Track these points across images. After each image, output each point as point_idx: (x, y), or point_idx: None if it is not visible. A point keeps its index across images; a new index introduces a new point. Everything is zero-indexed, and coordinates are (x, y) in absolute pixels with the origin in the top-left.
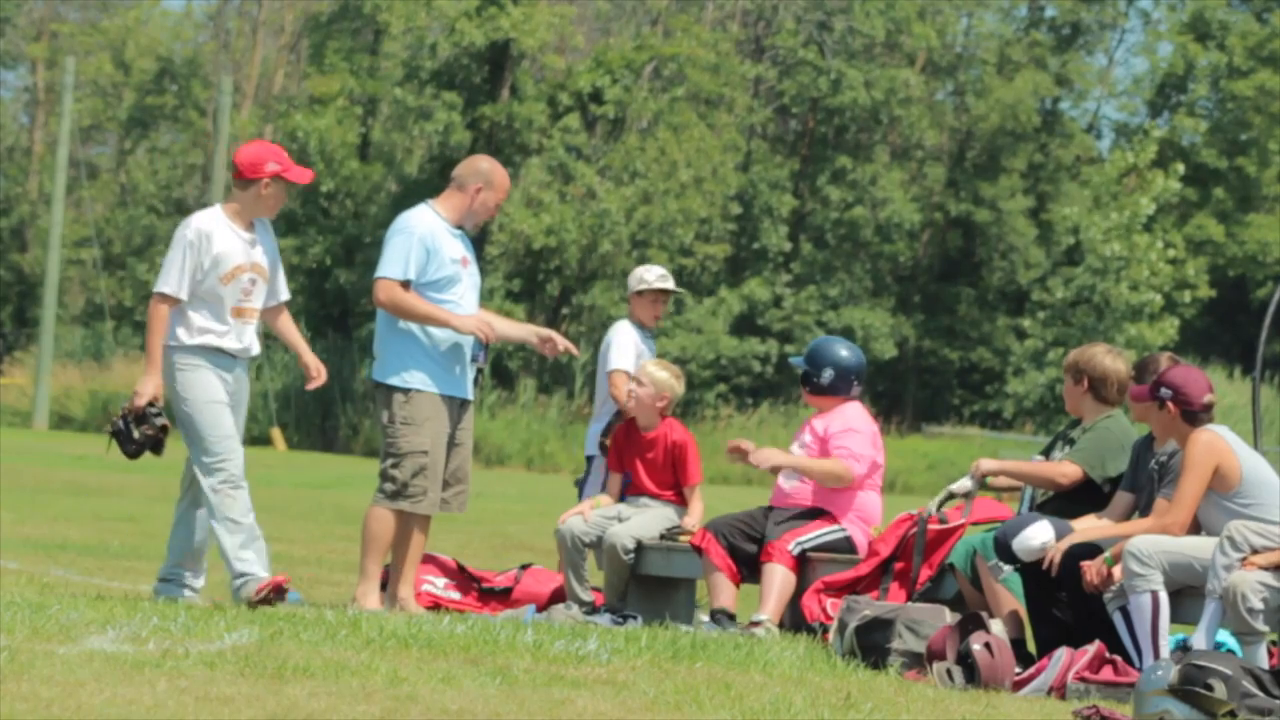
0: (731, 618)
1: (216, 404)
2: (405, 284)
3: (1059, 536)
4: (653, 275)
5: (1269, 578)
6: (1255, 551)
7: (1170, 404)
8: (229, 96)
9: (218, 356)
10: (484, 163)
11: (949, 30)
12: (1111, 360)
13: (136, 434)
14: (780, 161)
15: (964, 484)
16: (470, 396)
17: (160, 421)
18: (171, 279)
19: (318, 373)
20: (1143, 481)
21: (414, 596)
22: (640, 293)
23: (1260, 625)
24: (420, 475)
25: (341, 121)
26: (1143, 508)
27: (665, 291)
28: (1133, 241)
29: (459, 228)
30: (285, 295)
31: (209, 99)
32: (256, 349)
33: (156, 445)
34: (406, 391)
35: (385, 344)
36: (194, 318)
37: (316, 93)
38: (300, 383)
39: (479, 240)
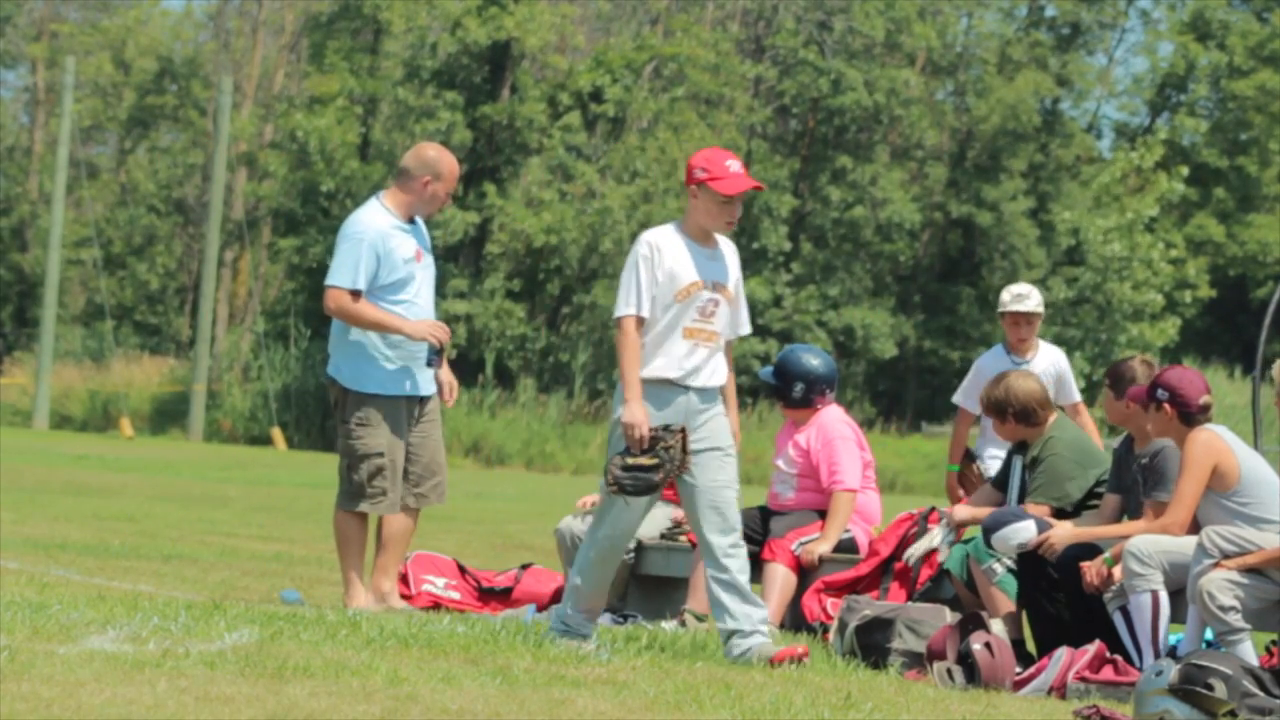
0: (701, 619)
1: None
2: (355, 293)
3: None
4: (1008, 295)
5: (1239, 576)
6: (1226, 556)
7: (1167, 405)
8: (229, 96)
9: (667, 388)
10: (431, 151)
11: (949, 30)
12: (1023, 382)
13: (649, 460)
14: (780, 161)
15: (935, 536)
16: (430, 392)
17: (673, 439)
18: (633, 298)
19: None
20: (1128, 484)
21: (397, 591)
22: (1001, 314)
23: (1236, 621)
24: (378, 476)
25: (342, 121)
26: (1131, 511)
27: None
28: (1134, 241)
29: (410, 220)
30: (744, 329)
31: (209, 99)
32: (720, 378)
33: (680, 465)
34: (361, 394)
35: (340, 347)
36: (645, 343)
37: (317, 92)
38: (300, 383)
39: (480, 239)
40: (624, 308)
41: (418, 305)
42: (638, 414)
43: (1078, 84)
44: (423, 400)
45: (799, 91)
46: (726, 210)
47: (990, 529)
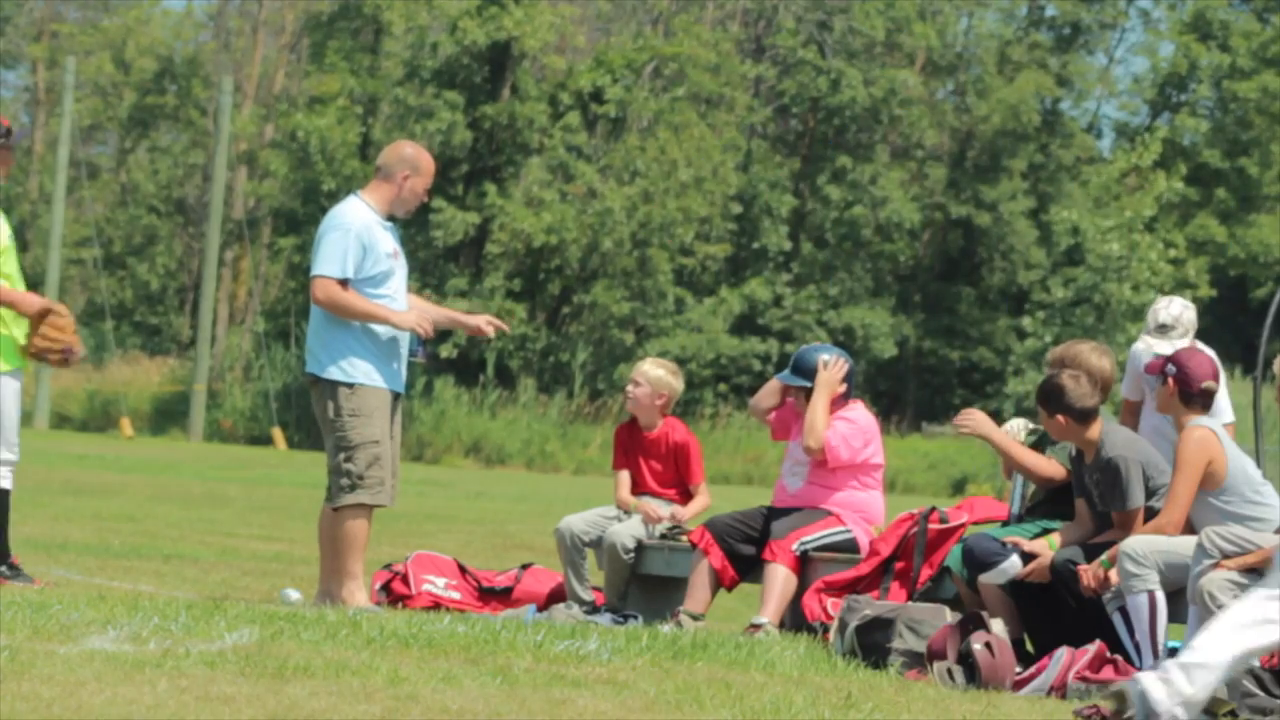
0: (697, 619)
1: None
2: (343, 282)
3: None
4: (1157, 318)
5: (1239, 576)
6: (1226, 556)
7: (1171, 380)
8: (229, 96)
9: None
10: (408, 148)
11: (949, 30)
12: (1098, 358)
13: None
14: (780, 161)
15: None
16: (403, 390)
17: None
18: None
19: None
20: (1087, 491)
21: (364, 593)
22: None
23: None
24: (375, 465)
25: (342, 121)
26: (1097, 519)
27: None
28: (1133, 241)
29: (389, 218)
30: None
31: (209, 99)
32: None
33: None
34: (351, 385)
35: (324, 339)
36: None
37: (317, 92)
38: (301, 382)
39: (480, 239)
40: None
41: (397, 302)
42: None
43: (1078, 84)
44: (398, 397)
45: (799, 91)
46: None
47: (975, 569)
